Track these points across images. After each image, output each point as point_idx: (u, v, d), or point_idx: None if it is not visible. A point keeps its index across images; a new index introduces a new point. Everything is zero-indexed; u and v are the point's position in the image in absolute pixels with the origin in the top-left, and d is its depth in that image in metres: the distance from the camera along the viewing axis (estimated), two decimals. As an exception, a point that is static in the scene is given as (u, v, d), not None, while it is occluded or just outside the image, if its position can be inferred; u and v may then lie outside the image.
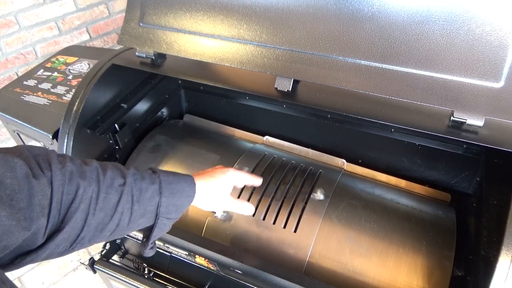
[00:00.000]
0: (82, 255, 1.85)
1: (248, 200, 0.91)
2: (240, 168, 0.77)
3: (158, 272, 1.00)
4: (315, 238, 0.84)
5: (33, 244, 0.48)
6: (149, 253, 0.66)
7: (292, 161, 1.01)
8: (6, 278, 0.44)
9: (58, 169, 0.50)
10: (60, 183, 0.50)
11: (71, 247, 0.53)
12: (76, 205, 0.51)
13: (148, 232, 0.64)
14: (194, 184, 0.67)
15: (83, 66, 1.33)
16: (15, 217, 0.44)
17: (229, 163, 0.98)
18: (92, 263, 0.95)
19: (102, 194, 0.54)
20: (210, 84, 0.89)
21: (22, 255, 0.48)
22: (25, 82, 1.27)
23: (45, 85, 1.24)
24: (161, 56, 0.97)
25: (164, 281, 0.96)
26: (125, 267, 0.99)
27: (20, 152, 0.49)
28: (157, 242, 0.86)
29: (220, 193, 0.73)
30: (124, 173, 0.59)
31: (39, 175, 0.48)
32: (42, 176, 0.48)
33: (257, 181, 0.83)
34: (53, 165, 0.50)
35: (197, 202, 0.70)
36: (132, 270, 0.96)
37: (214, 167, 0.77)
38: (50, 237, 0.49)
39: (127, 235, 0.95)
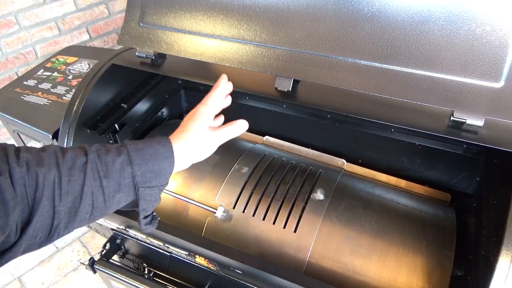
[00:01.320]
0: (82, 255, 1.85)
1: (248, 200, 0.91)
2: (205, 103, 0.68)
3: (158, 272, 1.00)
4: (315, 238, 0.84)
5: (8, 241, 0.47)
6: (146, 228, 0.63)
7: (292, 161, 1.01)
8: None
9: (15, 162, 0.49)
10: (19, 176, 0.48)
11: (49, 236, 0.51)
12: (39, 194, 0.49)
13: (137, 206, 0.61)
14: (170, 143, 0.60)
15: (83, 66, 1.33)
16: None
17: (229, 163, 0.98)
18: (92, 263, 0.95)
19: (64, 178, 0.51)
20: (210, 84, 0.89)
21: None
22: (25, 82, 1.27)
23: (45, 85, 1.24)
24: (161, 56, 0.97)
25: (164, 281, 0.96)
26: (125, 267, 0.99)
27: None
28: (157, 242, 0.86)
29: (203, 138, 0.66)
30: (87, 151, 0.55)
31: (2, 171, 0.47)
32: (5, 171, 0.47)
33: (221, 90, 0.73)
34: (10, 159, 0.49)
35: (186, 158, 0.63)
36: (132, 270, 0.96)
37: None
38: (23, 231, 0.48)
39: (128, 236, 0.96)
